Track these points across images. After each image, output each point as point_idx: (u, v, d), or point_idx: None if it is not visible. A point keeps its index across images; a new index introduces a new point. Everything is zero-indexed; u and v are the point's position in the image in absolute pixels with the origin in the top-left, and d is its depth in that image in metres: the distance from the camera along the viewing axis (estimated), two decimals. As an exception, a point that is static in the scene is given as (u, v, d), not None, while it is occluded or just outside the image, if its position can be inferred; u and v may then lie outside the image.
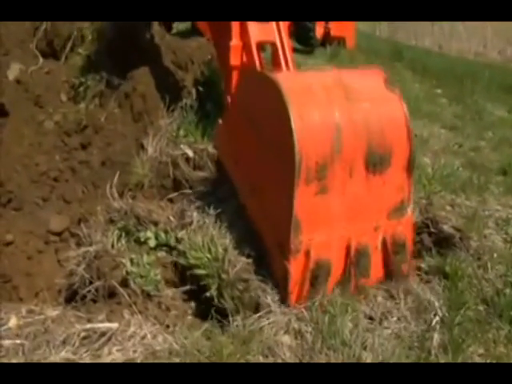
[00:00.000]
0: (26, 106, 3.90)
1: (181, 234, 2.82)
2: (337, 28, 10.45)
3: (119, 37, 3.98)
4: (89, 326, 2.00)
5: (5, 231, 3.29)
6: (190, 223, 2.88)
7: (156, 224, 2.97)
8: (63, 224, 3.47)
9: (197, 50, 4.47)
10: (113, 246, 2.74)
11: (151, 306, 2.45)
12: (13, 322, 2.02)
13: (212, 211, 2.88)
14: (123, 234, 2.89)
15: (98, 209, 3.19)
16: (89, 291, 2.53)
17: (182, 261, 2.71)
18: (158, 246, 2.88)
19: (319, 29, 10.33)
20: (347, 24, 10.43)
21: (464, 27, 16.16)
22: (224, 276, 2.48)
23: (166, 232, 2.91)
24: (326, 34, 10.64)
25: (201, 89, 4.19)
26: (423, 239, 3.53)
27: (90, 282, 2.56)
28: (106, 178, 3.70)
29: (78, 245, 3.11)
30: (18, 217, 3.45)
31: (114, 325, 2.01)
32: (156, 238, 2.90)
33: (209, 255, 2.60)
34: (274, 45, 3.19)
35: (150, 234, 2.91)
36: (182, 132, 3.74)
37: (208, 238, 2.67)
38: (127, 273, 2.52)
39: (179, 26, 6.14)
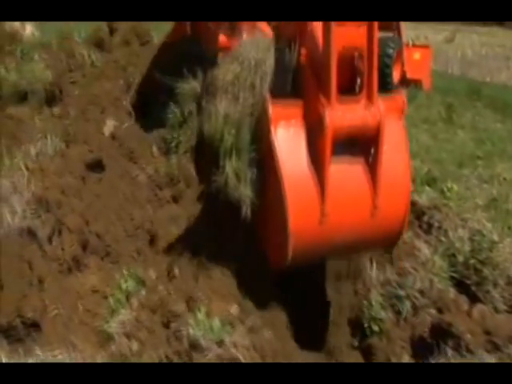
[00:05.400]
0: (120, 161, 4.06)
1: None
2: (413, 70, 10.34)
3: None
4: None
5: (105, 285, 3.42)
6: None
7: None
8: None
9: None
10: None
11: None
12: None
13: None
14: None
15: None
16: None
17: None
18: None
19: (396, 73, 10.20)
20: (423, 66, 10.31)
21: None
22: None
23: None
24: (402, 77, 10.46)
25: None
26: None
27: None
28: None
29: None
30: (114, 270, 3.57)
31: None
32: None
33: None
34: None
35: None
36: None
37: None
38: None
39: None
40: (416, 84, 10.30)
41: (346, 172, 2.82)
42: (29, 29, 7.24)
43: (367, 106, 2.78)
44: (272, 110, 2.74)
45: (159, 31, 5.49)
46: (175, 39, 4.87)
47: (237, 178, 2.81)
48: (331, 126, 2.66)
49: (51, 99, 4.93)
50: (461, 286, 3.63)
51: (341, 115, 2.70)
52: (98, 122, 4.40)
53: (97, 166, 3.94)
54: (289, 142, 2.76)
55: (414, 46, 11.10)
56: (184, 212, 3.80)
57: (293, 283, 3.37)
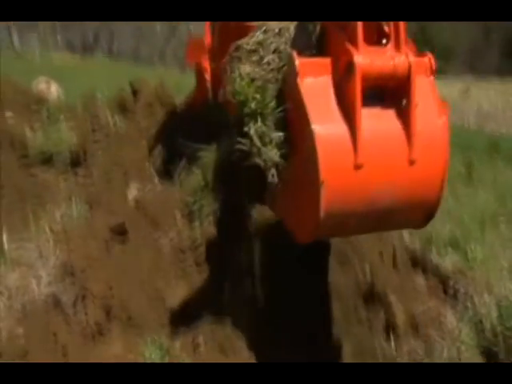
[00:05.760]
0: (143, 225, 4.10)
1: None
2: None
3: (230, 160, 4.15)
4: None
5: (128, 352, 3.41)
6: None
7: None
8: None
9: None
10: None
11: None
12: None
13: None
14: None
15: None
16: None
17: None
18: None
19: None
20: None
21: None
22: None
23: None
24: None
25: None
26: None
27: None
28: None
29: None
30: (138, 337, 3.56)
31: None
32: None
33: None
34: None
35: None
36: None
37: None
38: None
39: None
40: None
41: (377, 123, 2.67)
42: (54, 88, 7.50)
43: (396, 53, 2.68)
44: (298, 63, 2.66)
45: (182, 94, 5.63)
46: (196, 104, 4.99)
47: (262, 142, 2.70)
48: (360, 70, 2.56)
49: (75, 161, 5.05)
50: (489, 353, 3.57)
51: (369, 61, 2.60)
52: (122, 186, 4.48)
53: (120, 230, 3.98)
54: (316, 93, 2.65)
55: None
56: (207, 278, 3.81)
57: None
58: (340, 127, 2.60)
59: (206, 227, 4.03)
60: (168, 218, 4.13)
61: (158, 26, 30.55)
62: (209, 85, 4.75)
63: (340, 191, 2.56)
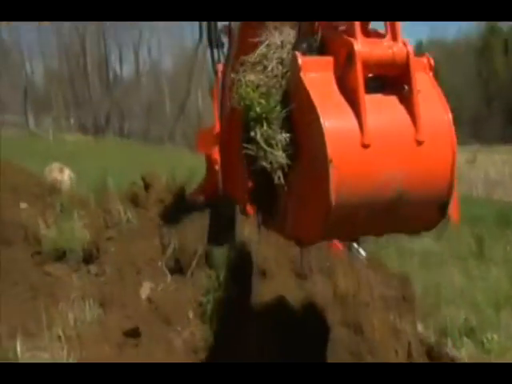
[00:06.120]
0: (156, 325, 4.12)
1: None
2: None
3: (241, 258, 4.21)
4: None
5: None
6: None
7: None
8: None
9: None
10: None
11: None
12: None
13: None
14: None
15: None
16: None
17: None
18: None
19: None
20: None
21: None
22: None
23: None
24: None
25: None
26: None
27: None
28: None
29: None
30: None
31: None
32: None
33: None
34: None
35: None
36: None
37: None
38: None
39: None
40: (443, 216, 10.36)
41: (381, 107, 2.69)
42: (67, 176, 7.63)
43: (393, 43, 2.73)
44: (301, 60, 2.73)
45: (194, 177, 5.72)
46: (207, 195, 5.08)
47: (268, 145, 2.73)
48: (360, 57, 2.62)
49: (88, 258, 5.11)
50: None
51: (369, 49, 2.66)
52: (134, 284, 4.51)
53: (133, 332, 4.00)
54: (320, 85, 2.71)
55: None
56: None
57: None
58: (345, 112, 2.65)
59: (219, 326, 4.04)
60: (181, 317, 4.16)
61: (168, 106, 31.49)
62: (219, 176, 4.84)
63: (349, 173, 2.55)
